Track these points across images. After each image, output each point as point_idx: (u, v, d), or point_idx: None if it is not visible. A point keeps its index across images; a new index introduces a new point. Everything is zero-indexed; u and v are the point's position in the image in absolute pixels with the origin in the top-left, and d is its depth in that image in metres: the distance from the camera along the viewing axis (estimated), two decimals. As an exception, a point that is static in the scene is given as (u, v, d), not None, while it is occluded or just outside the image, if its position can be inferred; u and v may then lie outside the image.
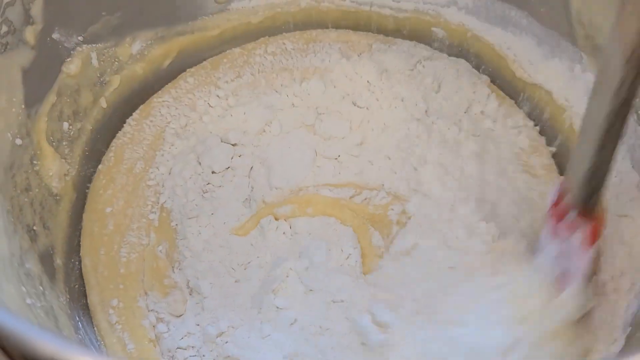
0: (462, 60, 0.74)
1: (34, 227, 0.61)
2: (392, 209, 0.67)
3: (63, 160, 0.66)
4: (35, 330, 0.38)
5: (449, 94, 0.72)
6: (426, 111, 0.71)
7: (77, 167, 0.68)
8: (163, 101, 0.73)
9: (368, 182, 0.68)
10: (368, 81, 0.72)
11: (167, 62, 0.75)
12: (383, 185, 0.68)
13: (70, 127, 0.68)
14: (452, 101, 0.71)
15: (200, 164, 0.69)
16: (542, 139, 0.70)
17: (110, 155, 0.70)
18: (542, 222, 0.59)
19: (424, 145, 0.69)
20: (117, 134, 0.72)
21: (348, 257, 0.64)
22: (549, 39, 0.69)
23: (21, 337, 0.38)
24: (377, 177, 0.68)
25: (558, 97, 0.69)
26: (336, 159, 0.70)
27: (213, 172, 0.69)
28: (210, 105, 0.72)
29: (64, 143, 0.67)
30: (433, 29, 0.75)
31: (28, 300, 0.54)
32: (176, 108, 0.73)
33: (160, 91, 0.74)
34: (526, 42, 0.71)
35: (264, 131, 0.71)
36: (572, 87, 0.68)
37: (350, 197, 0.68)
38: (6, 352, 0.40)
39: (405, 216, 0.66)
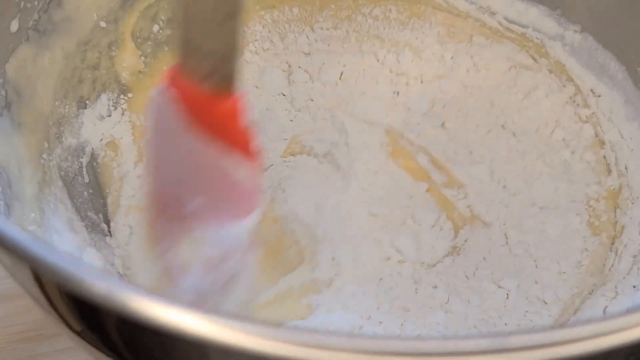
0: (567, 87, 0.71)
1: (87, 101, 0.66)
2: (462, 231, 0.64)
3: (142, 58, 0.71)
4: (81, 264, 0.33)
5: (535, 110, 0.69)
6: (513, 121, 0.69)
7: (152, 70, 0.72)
8: (262, 18, 0.75)
9: (458, 176, 0.66)
10: (454, 70, 0.72)
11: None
12: (467, 193, 0.65)
13: (161, 30, 0.72)
14: (536, 119, 0.69)
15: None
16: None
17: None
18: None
19: (500, 158, 0.67)
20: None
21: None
22: (637, 100, 0.66)
23: (65, 271, 0.32)
24: (463, 172, 0.66)
25: (620, 162, 0.65)
26: (418, 124, 0.69)
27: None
28: (296, 42, 0.74)
29: (149, 43, 0.71)
30: (530, 57, 0.73)
31: (44, 155, 0.59)
32: (269, 31, 0.75)
33: (265, 9, 0.76)
34: (615, 97, 0.67)
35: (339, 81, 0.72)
36: (638, 156, 0.64)
37: (443, 185, 0.66)
38: (40, 282, 0.37)
39: (463, 245, 0.63)
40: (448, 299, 0.60)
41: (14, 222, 0.50)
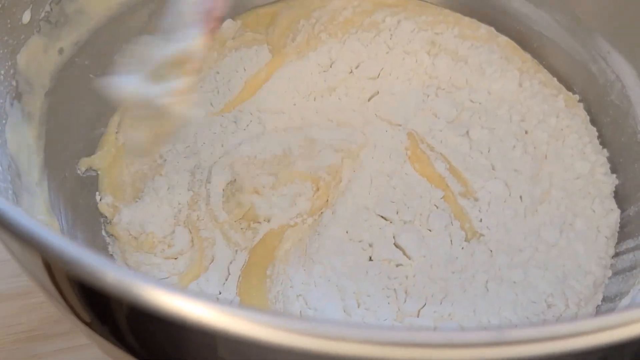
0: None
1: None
2: (467, 245, 0.61)
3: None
4: (94, 256, 0.32)
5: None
6: (522, 121, 0.68)
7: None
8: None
9: (475, 188, 0.64)
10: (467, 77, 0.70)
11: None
12: (481, 207, 0.63)
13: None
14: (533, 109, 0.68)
15: None
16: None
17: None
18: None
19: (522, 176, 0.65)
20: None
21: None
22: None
23: (76, 261, 0.32)
24: (480, 185, 0.64)
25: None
26: (441, 131, 0.67)
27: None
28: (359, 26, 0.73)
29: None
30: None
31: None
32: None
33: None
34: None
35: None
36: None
37: (459, 194, 0.64)
38: (49, 269, 0.36)
39: (469, 260, 0.61)
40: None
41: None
